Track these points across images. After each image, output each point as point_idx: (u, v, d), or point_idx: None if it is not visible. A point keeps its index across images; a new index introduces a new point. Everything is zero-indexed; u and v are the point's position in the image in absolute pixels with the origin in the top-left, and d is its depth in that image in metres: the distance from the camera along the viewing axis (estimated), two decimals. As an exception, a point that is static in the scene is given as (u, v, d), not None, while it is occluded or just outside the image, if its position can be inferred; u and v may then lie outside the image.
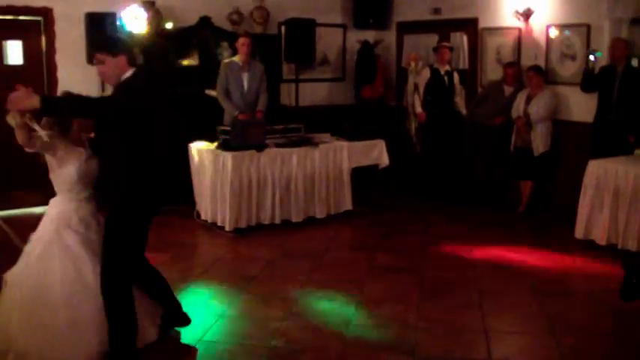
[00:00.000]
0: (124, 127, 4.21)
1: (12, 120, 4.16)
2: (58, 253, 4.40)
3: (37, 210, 8.49)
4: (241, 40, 8.42)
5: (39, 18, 8.66)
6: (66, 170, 4.45)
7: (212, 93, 8.71)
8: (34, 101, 3.97)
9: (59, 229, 4.46)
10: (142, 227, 4.48)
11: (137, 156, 4.30)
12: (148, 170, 4.38)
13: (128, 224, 4.37)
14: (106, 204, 4.44)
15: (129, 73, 4.31)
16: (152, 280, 4.86)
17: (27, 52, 8.72)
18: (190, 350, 4.88)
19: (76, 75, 8.72)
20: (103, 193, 4.47)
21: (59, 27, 8.69)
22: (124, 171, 4.31)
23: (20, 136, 4.27)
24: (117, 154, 4.30)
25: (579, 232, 7.40)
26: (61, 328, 4.36)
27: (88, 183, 4.52)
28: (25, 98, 4.00)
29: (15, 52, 8.66)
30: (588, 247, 7.27)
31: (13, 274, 4.51)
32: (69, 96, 4.43)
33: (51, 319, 4.37)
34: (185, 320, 5.06)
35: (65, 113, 4.33)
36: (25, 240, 4.58)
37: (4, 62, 8.62)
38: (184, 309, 5.09)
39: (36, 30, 8.71)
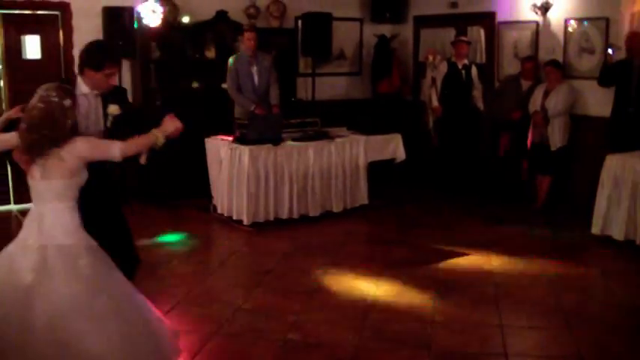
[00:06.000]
0: None
1: None
2: None
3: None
4: (247, 35, 8.40)
5: (57, 12, 8.70)
6: None
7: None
8: None
9: None
10: None
11: None
12: None
13: None
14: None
15: None
16: None
17: (45, 47, 8.75)
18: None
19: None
20: None
21: (76, 21, 8.71)
22: None
23: None
24: None
25: (596, 228, 7.33)
26: None
27: None
28: None
29: (33, 47, 8.69)
30: (605, 242, 7.23)
31: None
32: None
33: None
34: None
35: None
36: None
37: (23, 57, 8.65)
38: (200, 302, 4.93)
39: (54, 24, 8.74)
